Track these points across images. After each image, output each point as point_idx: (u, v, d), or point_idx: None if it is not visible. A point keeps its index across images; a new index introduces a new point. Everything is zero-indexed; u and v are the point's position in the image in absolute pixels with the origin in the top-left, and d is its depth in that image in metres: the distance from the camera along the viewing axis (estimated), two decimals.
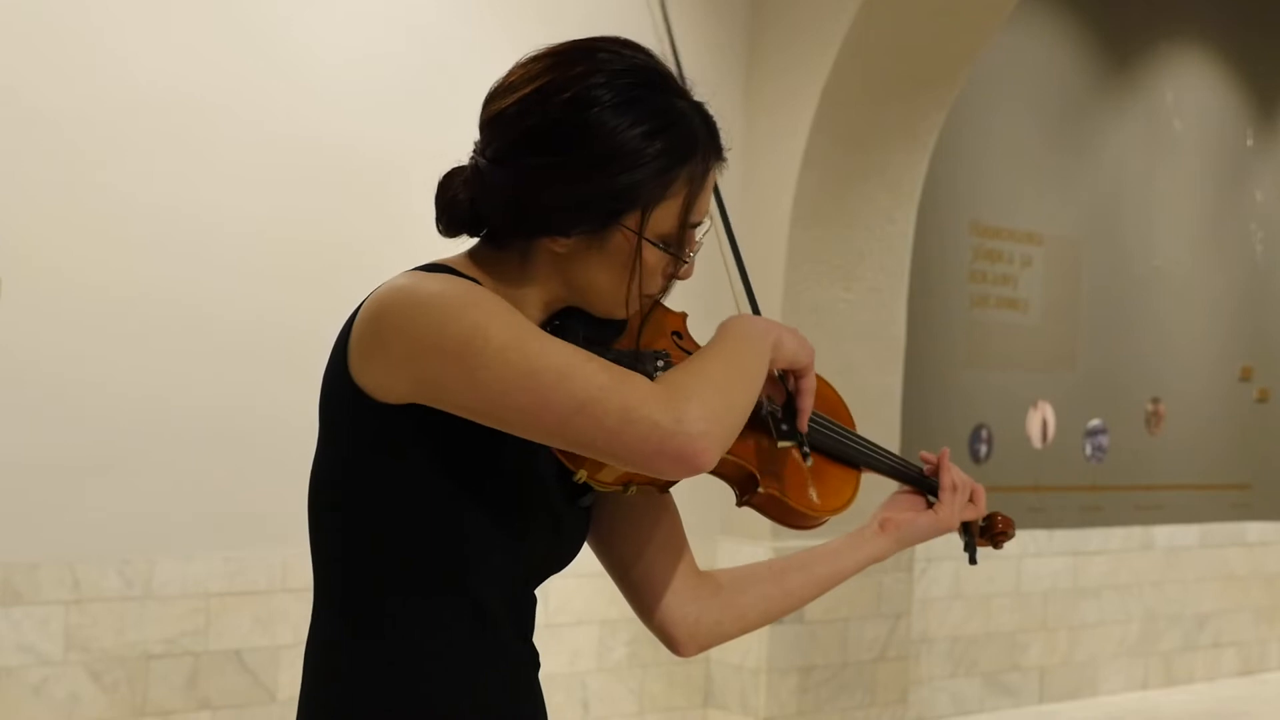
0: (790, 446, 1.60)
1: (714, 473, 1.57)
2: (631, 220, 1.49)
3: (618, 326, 1.58)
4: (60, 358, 3.98)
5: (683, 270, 1.56)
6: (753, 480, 1.61)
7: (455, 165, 1.56)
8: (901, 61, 5.22)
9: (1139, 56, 7.09)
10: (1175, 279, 7.31)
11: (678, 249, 1.53)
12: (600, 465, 1.48)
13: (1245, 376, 7.72)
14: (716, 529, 5.29)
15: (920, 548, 6.05)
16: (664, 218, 1.51)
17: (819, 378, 1.67)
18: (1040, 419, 6.71)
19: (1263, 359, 7.82)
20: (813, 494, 1.63)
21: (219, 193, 4.22)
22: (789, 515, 1.66)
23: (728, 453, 1.53)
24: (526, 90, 1.49)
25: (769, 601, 1.73)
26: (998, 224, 6.55)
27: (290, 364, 4.25)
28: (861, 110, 5.24)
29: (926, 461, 1.83)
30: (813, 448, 1.64)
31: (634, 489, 1.54)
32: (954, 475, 1.80)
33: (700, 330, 1.73)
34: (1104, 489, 7.00)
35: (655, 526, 1.70)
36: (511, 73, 1.53)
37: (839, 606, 5.37)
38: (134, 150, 4.09)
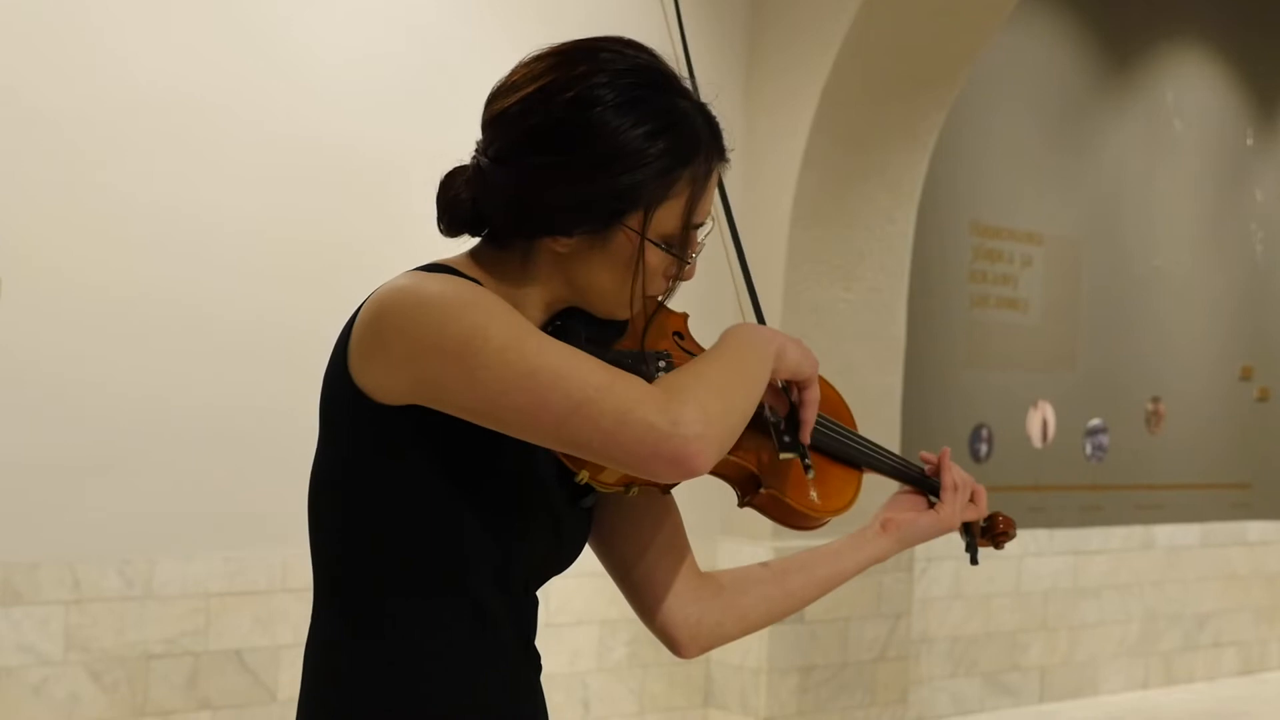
0: (793, 458, 1.59)
1: (715, 473, 1.56)
2: (634, 220, 1.49)
3: (619, 327, 1.58)
4: (60, 358, 3.98)
5: (685, 271, 1.55)
6: (754, 481, 1.61)
7: (457, 165, 1.56)
8: (901, 61, 5.22)
9: (1139, 56, 7.09)
10: (1175, 279, 7.31)
11: (680, 250, 1.52)
12: (601, 466, 1.48)
13: (1245, 376, 7.73)
14: (717, 529, 5.29)
15: (920, 548, 6.04)
16: (666, 218, 1.50)
17: (820, 378, 1.66)
18: (1040, 419, 6.71)
19: (1263, 359, 7.82)
20: (814, 495, 1.63)
21: (219, 193, 4.22)
22: (790, 516, 1.66)
23: (729, 454, 1.53)
24: (529, 90, 1.49)
25: (770, 602, 1.73)
26: (998, 224, 6.55)
27: (290, 364, 4.25)
28: (861, 110, 5.24)
29: (927, 462, 1.83)
30: (814, 448, 1.64)
31: (635, 490, 1.53)
32: (955, 475, 1.80)
33: (701, 331, 1.73)
34: (1104, 488, 7.00)
35: (657, 528, 1.70)
36: (514, 72, 1.53)
37: (839, 606, 5.37)
38: (134, 150, 4.09)
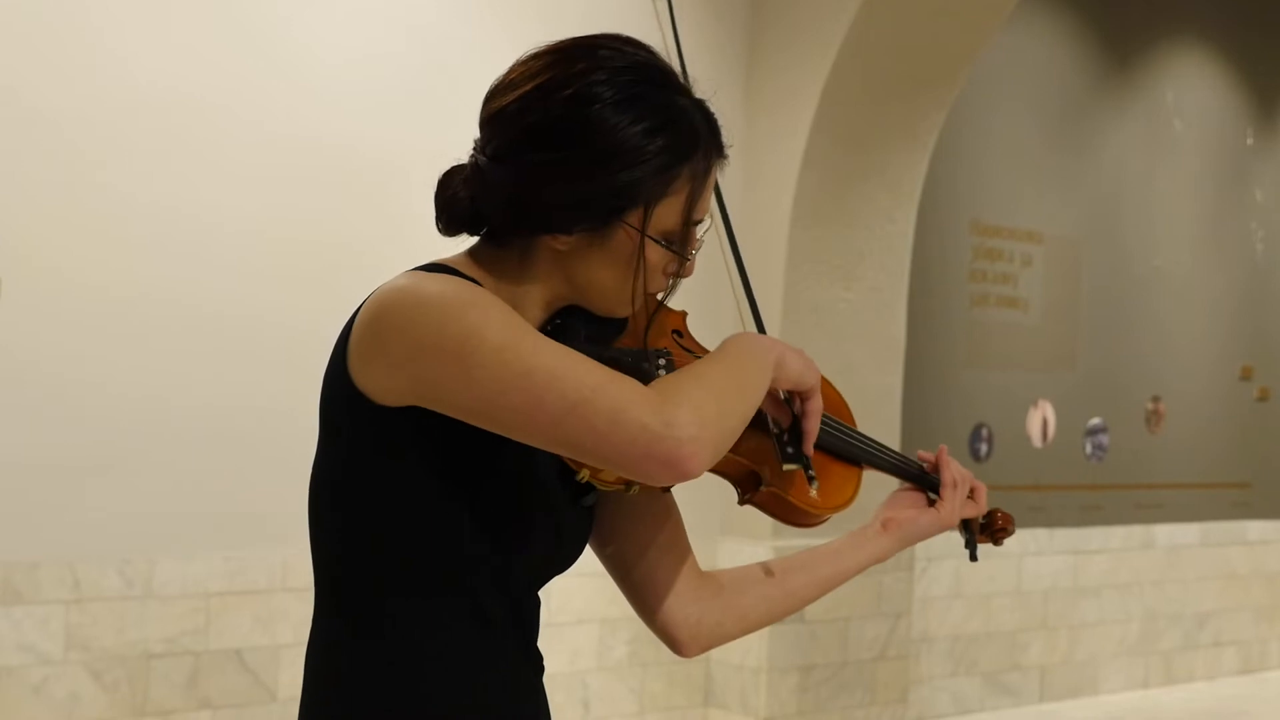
0: (796, 469, 1.59)
1: (716, 471, 1.56)
2: (634, 217, 1.49)
3: (618, 325, 1.58)
4: (60, 358, 3.98)
5: (685, 268, 1.55)
6: (755, 479, 1.61)
7: (455, 163, 1.56)
8: (901, 61, 5.22)
9: (1139, 56, 7.09)
10: (1175, 279, 7.31)
11: (681, 246, 1.53)
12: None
13: (1245, 376, 7.73)
14: (717, 529, 5.29)
15: (920, 547, 6.04)
16: (666, 215, 1.50)
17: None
18: (1040, 418, 6.71)
19: (1263, 358, 7.82)
20: (814, 492, 1.63)
21: (219, 193, 4.22)
22: (791, 513, 1.66)
23: (730, 452, 1.53)
24: (528, 87, 1.49)
25: (771, 602, 1.73)
26: (998, 223, 6.55)
27: (290, 364, 4.25)
28: (861, 110, 5.24)
29: (925, 460, 1.83)
30: (815, 447, 1.64)
31: (636, 488, 1.53)
32: (954, 471, 1.80)
33: (700, 331, 1.73)
34: (1104, 488, 7.00)
35: (658, 528, 1.70)
36: (512, 70, 1.53)
37: (839, 606, 5.37)
38: (134, 150, 4.09)
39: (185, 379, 4.17)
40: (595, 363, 1.40)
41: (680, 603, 1.69)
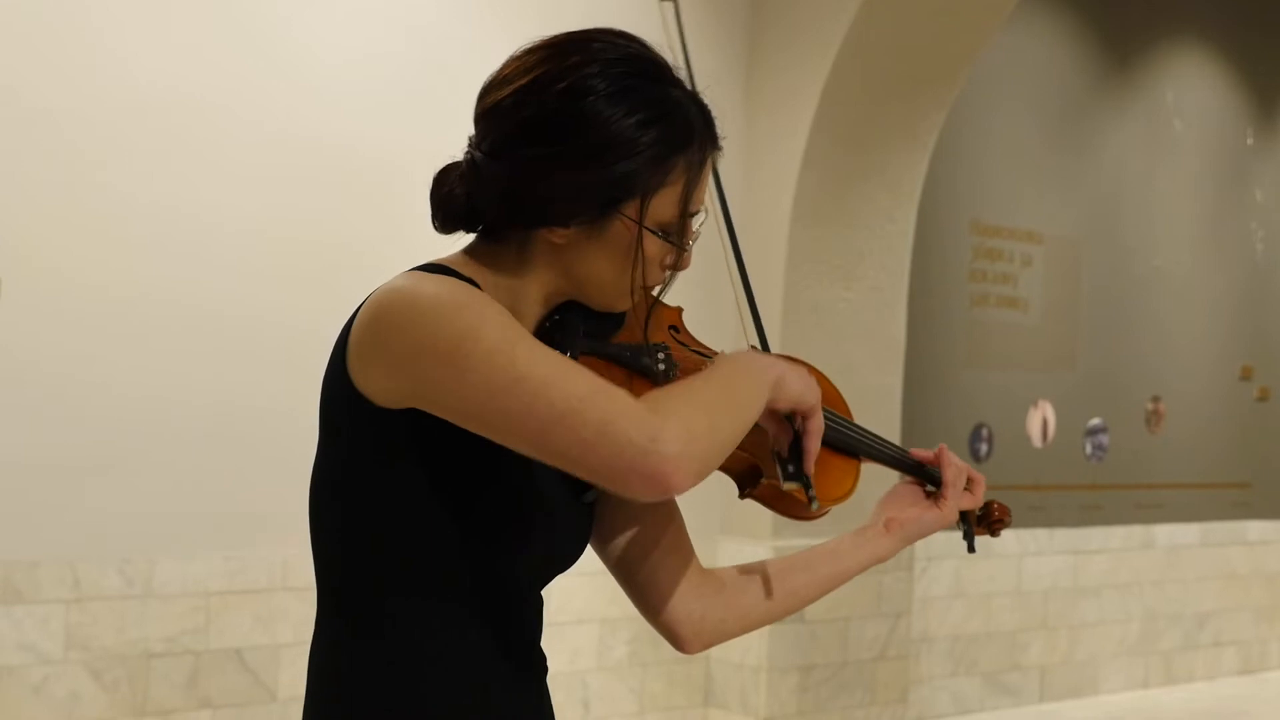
0: (795, 489, 1.58)
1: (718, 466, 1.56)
2: (631, 209, 1.49)
3: (616, 320, 1.58)
4: (60, 358, 3.98)
5: (682, 260, 1.55)
6: (756, 473, 1.61)
7: (450, 161, 1.56)
8: (901, 61, 5.22)
9: (1139, 56, 7.10)
10: (1175, 279, 7.31)
11: (677, 237, 1.53)
12: None
13: (1245, 376, 7.73)
14: (717, 529, 5.29)
15: (920, 546, 6.05)
16: (663, 206, 1.51)
17: (813, 370, 1.66)
18: (1040, 418, 6.72)
19: (1263, 358, 7.82)
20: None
21: (219, 193, 4.22)
22: (792, 506, 1.65)
23: None
24: (522, 81, 1.49)
25: (773, 600, 1.73)
26: (998, 223, 6.55)
27: (290, 364, 4.25)
28: (861, 110, 5.24)
29: (922, 460, 1.82)
30: None
31: None
32: (954, 467, 1.78)
33: (701, 331, 1.73)
34: (1104, 488, 7.00)
35: (660, 527, 1.70)
36: (506, 65, 1.53)
37: (839, 606, 5.37)
38: (134, 150, 4.09)
39: (185, 379, 4.17)
40: (589, 373, 1.39)
41: (683, 600, 1.70)
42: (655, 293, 1.59)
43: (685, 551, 1.72)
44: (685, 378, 1.46)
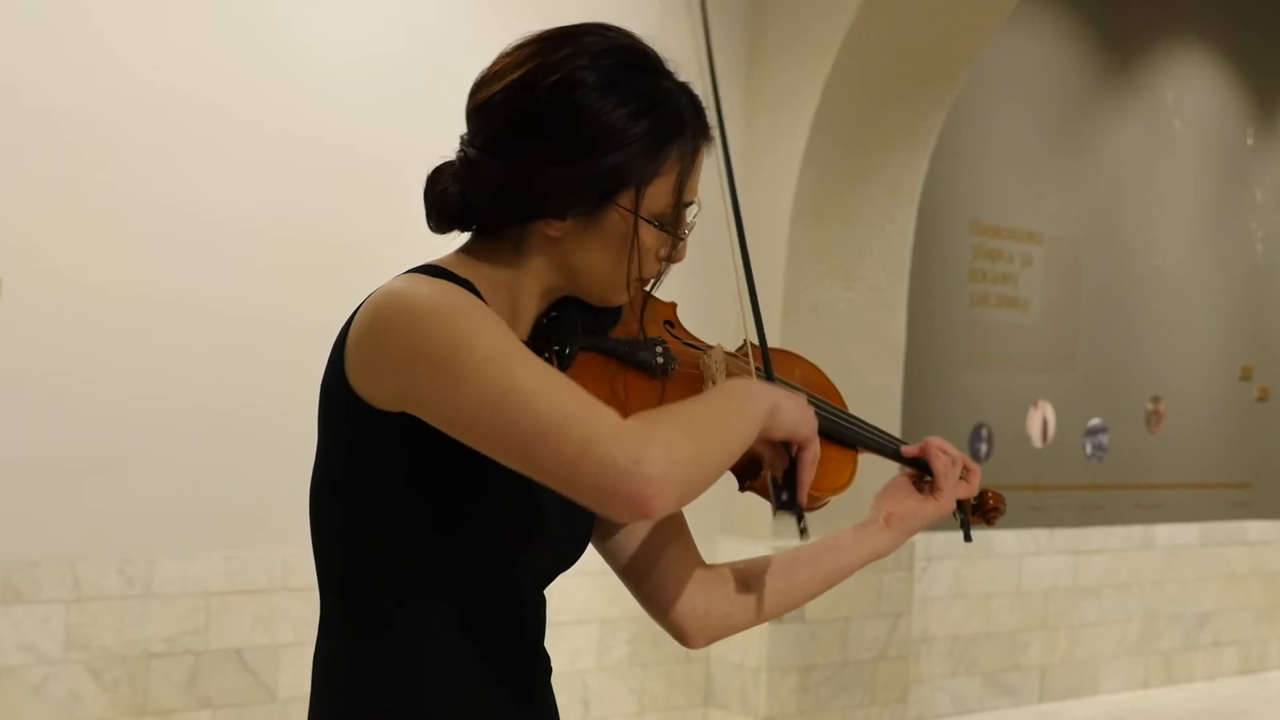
0: (789, 517, 1.57)
1: None
2: (626, 200, 1.49)
3: (613, 317, 1.59)
4: (60, 358, 3.98)
5: (677, 251, 1.56)
6: (756, 465, 1.61)
7: (442, 160, 1.56)
8: (901, 61, 5.22)
9: (1139, 56, 7.10)
10: (1175, 279, 7.31)
11: (672, 228, 1.53)
12: None
13: (1245, 376, 7.73)
14: (717, 528, 5.29)
15: (920, 546, 6.05)
16: (657, 196, 1.51)
17: (807, 363, 1.67)
18: (1040, 418, 6.72)
19: (1263, 358, 7.82)
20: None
21: (219, 193, 4.22)
22: None
23: None
24: (514, 76, 1.50)
25: (777, 594, 1.74)
26: (998, 223, 6.55)
27: (290, 364, 4.25)
28: (861, 110, 5.24)
29: (912, 456, 1.81)
30: None
31: None
32: (947, 457, 1.78)
33: (701, 330, 1.73)
34: (1104, 488, 7.00)
35: (667, 531, 1.71)
36: (497, 61, 1.53)
37: (839, 605, 5.37)
38: (134, 150, 4.09)
39: (185, 379, 4.17)
40: (580, 390, 1.37)
41: (689, 597, 1.71)
42: (649, 286, 1.60)
43: (691, 551, 1.73)
44: (677, 402, 1.45)
